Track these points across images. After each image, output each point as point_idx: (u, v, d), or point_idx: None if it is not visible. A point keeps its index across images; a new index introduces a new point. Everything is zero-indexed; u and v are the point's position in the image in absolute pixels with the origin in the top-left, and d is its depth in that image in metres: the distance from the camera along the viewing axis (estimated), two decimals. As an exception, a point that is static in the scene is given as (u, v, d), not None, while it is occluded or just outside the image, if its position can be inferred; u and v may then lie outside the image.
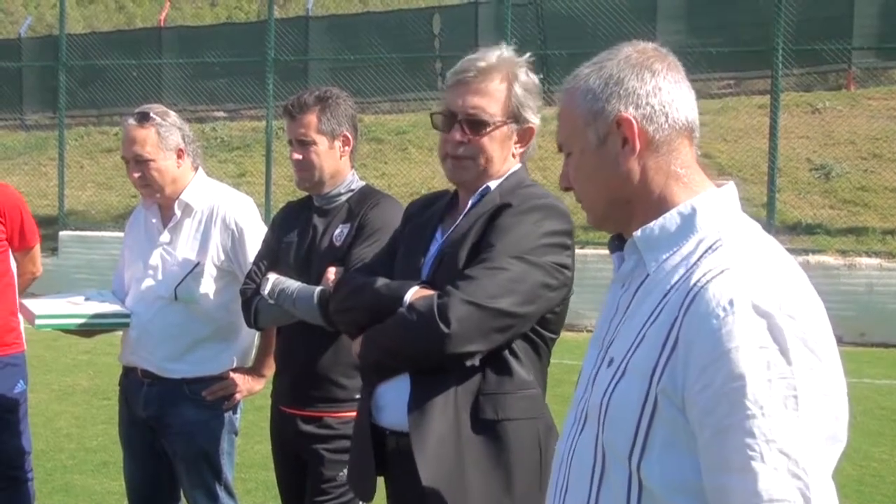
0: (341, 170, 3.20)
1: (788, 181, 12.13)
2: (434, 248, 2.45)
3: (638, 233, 1.56)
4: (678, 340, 1.42)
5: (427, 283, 2.36)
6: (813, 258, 10.48)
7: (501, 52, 2.41)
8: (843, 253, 10.77)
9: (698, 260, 1.48)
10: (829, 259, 10.63)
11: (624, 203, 1.59)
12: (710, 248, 1.49)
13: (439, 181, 13.61)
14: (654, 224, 1.55)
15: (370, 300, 2.39)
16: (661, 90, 1.57)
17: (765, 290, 1.39)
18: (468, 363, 2.26)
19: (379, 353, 2.36)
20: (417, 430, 2.28)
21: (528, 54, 2.47)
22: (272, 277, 3.12)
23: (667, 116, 1.57)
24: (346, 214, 3.16)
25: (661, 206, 1.57)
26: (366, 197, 3.18)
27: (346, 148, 3.19)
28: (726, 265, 1.43)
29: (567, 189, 1.68)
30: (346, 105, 3.18)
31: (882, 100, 13.55)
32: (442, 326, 2.20)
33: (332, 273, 3.05)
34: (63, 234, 13.43)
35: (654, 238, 1.55)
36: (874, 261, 10.62)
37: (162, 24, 18.12)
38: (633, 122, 1.56)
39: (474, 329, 2.22)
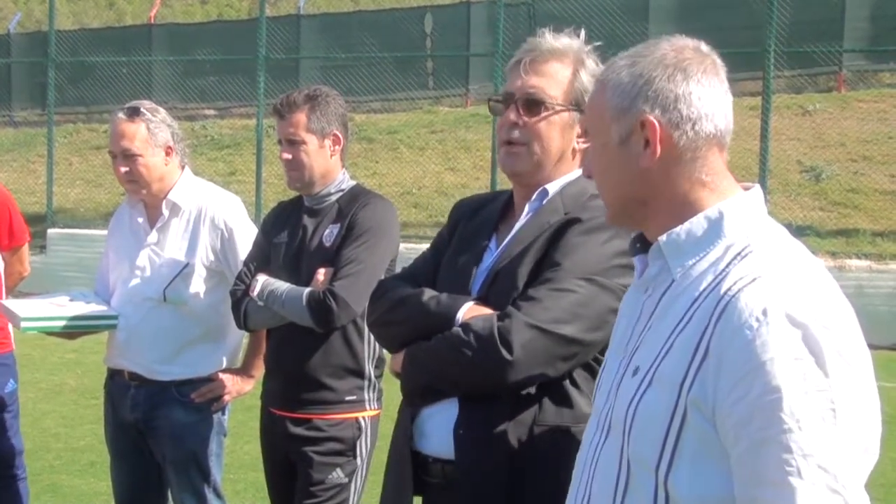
0: (331, 169, 3.17)
1: (779, 183, 12.14)
2: (488, 260, 2.19)
3: (663, 238, 1.51)
4: (709, 350, 1.38)
5: (480, 300, 2.12)
6: (803, 260, 10.50)
7: (569, 38, 2.22)
8: (833, 255, 10.78)
9: (727, 267, 1.43)
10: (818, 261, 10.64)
11: (639, 203, 1.54)
12: (738, 254, 1.44)
13: (430, 181, 13.61)
14: (681, 229, 1.49)
15: (417, 315, 2.15)
16: (691, 94, 1.49)
17: (798, 300, 1.35)
18: (523, 391, 2.05)
19: (427, 376, 2.11)
20: (466, 463, 2.07)
21: (598, 43, 2.27)
22: (262, 279, 3.09)
23: (693, 124, 1.49)
24: (335, 214, 3.13)
25: (684, 209, 1.51)
26: (356, 197, 3.15)
27: (337, 147, 3.16)
28: (757, 273, 1.39)
29: (590, 177, 1.62)
30: (336, 104, 3.15)
31: (872, 102, 13.59)
32: (504, 352, 1.97)
33: (321, 274, 3.03)
34: (51, 231, 13.37)
35: (679, 243, 1.49)
36: (864, 263, 10.64)
37: (152, 21, 18.05)
38: (657, 125, 1.49)
39: (539, 356, 2.00)
